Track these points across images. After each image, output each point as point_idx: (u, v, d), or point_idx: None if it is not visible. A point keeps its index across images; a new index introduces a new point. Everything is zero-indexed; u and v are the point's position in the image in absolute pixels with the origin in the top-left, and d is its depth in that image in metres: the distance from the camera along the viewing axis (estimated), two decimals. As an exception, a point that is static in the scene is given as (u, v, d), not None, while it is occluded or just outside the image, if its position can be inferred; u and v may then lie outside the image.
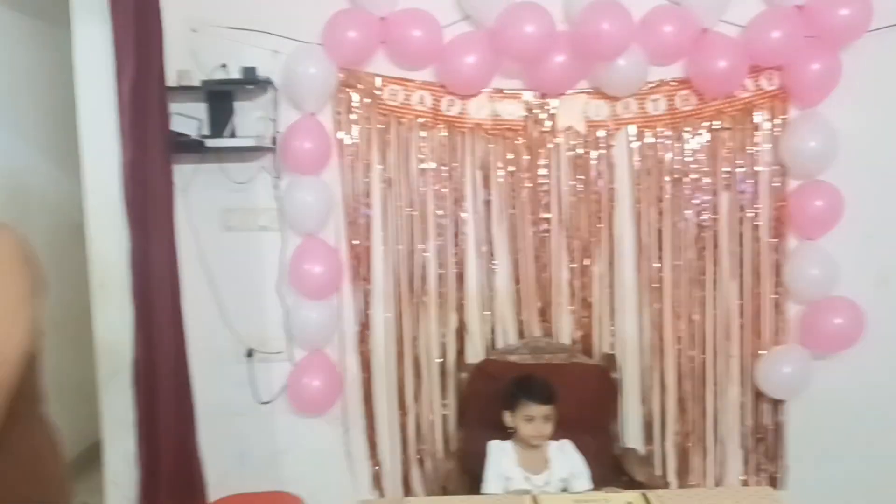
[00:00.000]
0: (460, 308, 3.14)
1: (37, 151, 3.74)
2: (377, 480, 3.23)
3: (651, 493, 2.14)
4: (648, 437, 3.20)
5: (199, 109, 3.02)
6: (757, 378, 3.13)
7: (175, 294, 2.92)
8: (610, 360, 3.10)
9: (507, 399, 2.63)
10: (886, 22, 2.92)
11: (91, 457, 3.25)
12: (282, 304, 3.14)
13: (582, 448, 2.66)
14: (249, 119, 3.05)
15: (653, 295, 3.14)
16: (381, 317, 3.15)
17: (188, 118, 2.99)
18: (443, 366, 3.17)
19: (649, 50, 2.94)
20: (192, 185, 3.08)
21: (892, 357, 3.13)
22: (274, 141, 3.02)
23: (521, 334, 3.15)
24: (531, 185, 3.09)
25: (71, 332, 3.61)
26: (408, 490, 3.21)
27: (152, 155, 2.77)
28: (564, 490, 2.55)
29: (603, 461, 2.87)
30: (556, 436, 2.63)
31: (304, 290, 3.04)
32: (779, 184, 3.08)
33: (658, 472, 3.15)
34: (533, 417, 2.56)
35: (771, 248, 3.11)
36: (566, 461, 2.59)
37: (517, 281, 3.14)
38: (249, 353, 3.17)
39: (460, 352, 3.15)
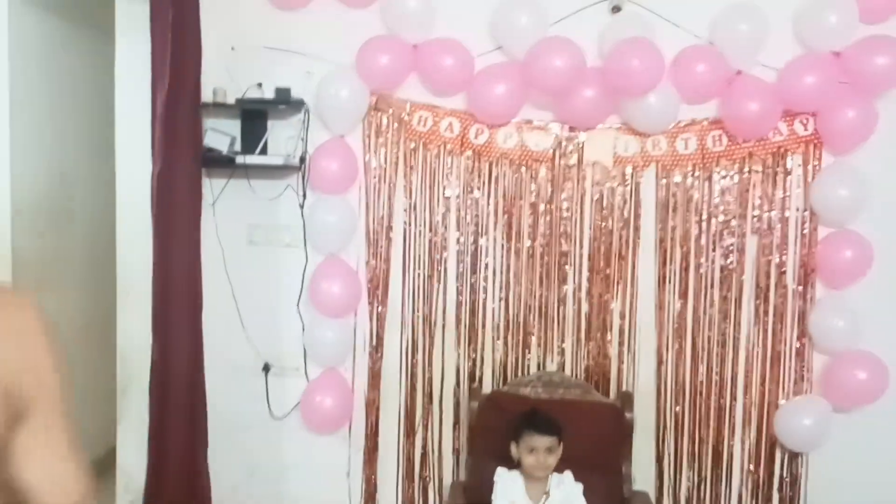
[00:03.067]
0: (476, 336, 3.14)
1: (81, 157, 3.85)
2: (379, 504, 3.23)
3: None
4: (660, 481, 3.14)
5: (234, 126, 3.09)
6: (776, 428, 3.06)
7: (195, 304, 2.97)
8: (626, 398, 3.06)
9: (514, 430, 2.66)
10: (925, 72, 2.86)
11: (110, 462, 3.30)
12: (300, 321, 3.17)
13: (591, 487, 2.66)
14: (281, 137, 3.10)
15: (673, 335, 3.09)
16: (396, 340, 3.17)
17: (222, 134, 3.06)
18: (455, 394, 3.16)
19: (681, 89, 2.92)
20: (222, 199, 3.14)
21: (917, 415, 3.03)
22: (302, 160, 3.07)
23: (536, 366, 3.13)
24: (554, 217, 3.09)
25: (99, 336, 3.69)
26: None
27: (181, 168, 2.84)
28: None
29: (612, 503, 2.83)
30: (565, 467, 2.65)
31: (323, 308, 3.07)
32: (808, 230, 3.02)
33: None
34: (535, 448, 2.58)
35: (797, 296, 3.05)
36: (565, 491, 2.62)
37: (536, 313, 3.12)
38: (266, 368, 3.20)
39: (473, 380, 3.14)
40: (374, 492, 3.22)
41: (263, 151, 3.06)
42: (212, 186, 3.13)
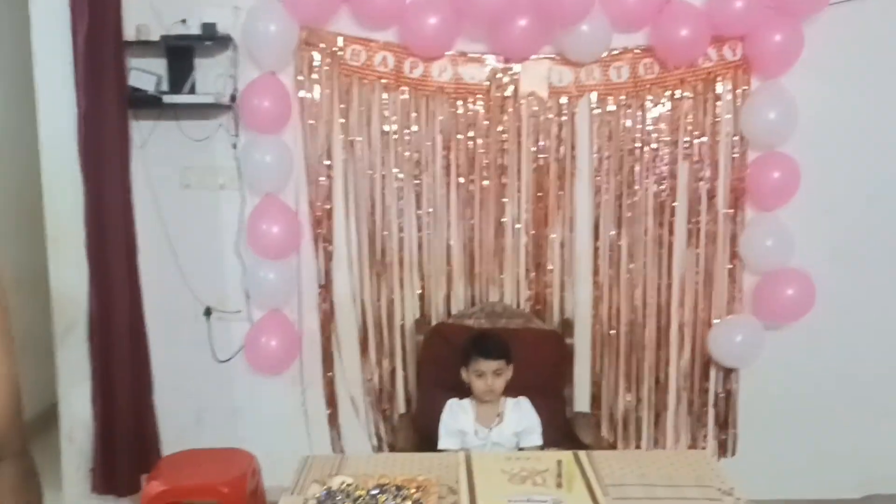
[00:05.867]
0: (420, 271, 3.16)
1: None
2: (332, 439, 3.26)
3: (581, 454, 2.17)
4: (599, 402, 3.24)
5: (160, 65, 2.99)
6: (709, 346, 3.18)
7: (130, 249, 2.91)
8: (566, 325, 3.13)
9: (463, 355, 2.66)
10: (848, -5, 2.93)
11: (52, 416, 3.25)
12: (241, 263, 3.14)
13: (535, 410, 2.71)
14: (209, 76, 3.02)
15: (609, 262, 3.16)
16: (343, 278, 3.16)
17: (147, 73, 2.96)
18: (402, 328, 3.19)
19: (612, 16, 2.93)
20: (151, 141, 3.05)
21: (842, 329, 3.18)
22: (233, 99, 3.00)
23: (478, 298, 3.17)
24: (492, 149, 3.09)
25: (31, 287, 3.58)
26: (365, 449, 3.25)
27: (107, 109, 2.75)
28: (518, 444, 2.60)
29: (555, 424, 2.90)
30: (513, 394, 2.67)
31: (262, 249, 3.03)
32: (738, 154, 3.09)
33: (608, 436, 3.21)
34: (483, 373, 2.57)
35: (728, 219, 3.13)
36: (520, 417, 2.63)
37: (476, 245, 3.15)
38: (207, 312, 3.17)
39: (420, 314, 3.17)
40: (337, 426, 3.26)
41: (192, 91, 2.98)
42: (139, 128, 3.04)
